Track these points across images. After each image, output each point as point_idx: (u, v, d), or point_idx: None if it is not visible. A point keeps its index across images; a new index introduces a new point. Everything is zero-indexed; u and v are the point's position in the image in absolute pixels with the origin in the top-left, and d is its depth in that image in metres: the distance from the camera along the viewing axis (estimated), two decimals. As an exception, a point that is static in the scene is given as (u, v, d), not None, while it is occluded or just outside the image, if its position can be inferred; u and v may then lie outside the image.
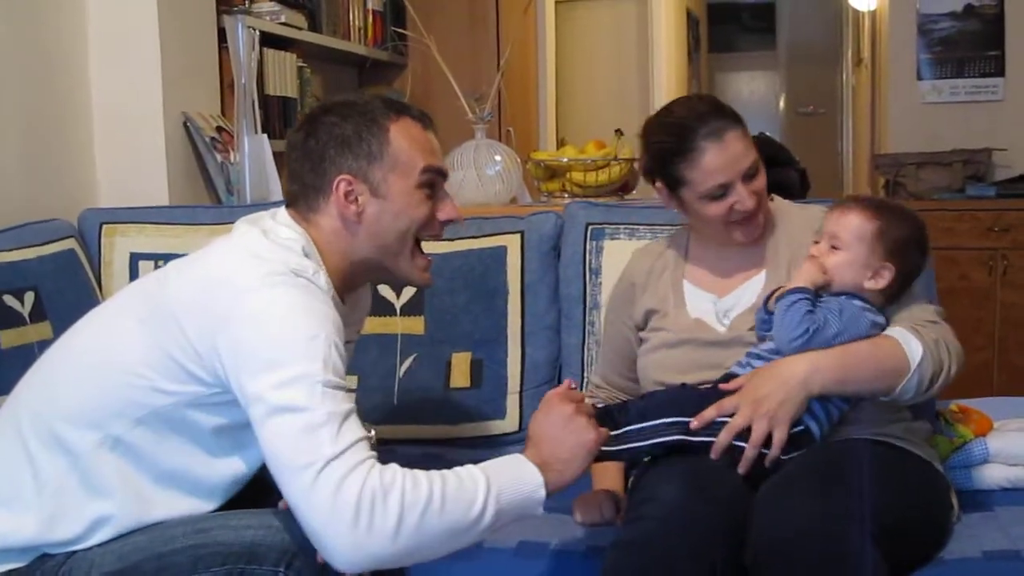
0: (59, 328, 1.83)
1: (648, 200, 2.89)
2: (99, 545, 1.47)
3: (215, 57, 2.99)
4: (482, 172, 2.92)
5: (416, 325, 2.37)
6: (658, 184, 1.94)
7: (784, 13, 9.21)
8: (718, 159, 1.83)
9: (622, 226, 2.35)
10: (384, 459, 1.39)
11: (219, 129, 2.92)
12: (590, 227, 2.37)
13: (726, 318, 1.91)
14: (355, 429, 1.38)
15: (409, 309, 2.38)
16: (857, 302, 1.77)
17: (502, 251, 2.39)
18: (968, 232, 4.17)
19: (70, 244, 2.42)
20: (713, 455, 1.69)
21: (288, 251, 1.52)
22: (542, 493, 1.46)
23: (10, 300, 2.12)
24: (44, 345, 1.73)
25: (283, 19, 3.28)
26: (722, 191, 1.85)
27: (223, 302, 1.44)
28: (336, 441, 1.34)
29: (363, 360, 2.31)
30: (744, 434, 1.68)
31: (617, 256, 2.30)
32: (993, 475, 2.01)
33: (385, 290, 2.37)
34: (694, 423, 1.70)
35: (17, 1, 2.52)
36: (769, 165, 1.93)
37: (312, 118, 1.62)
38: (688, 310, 1.94)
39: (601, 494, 1.88)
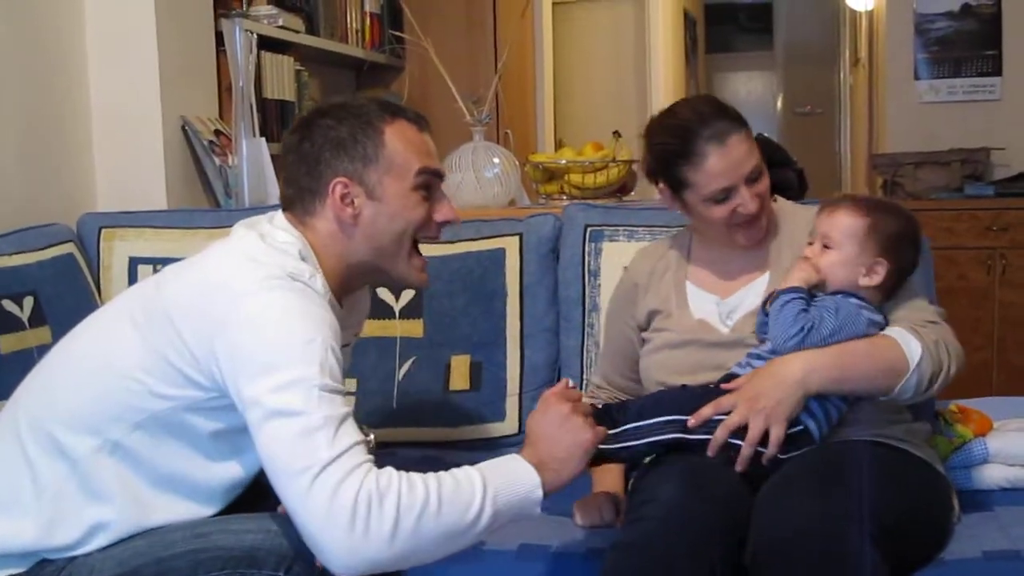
0: (58, 333, 1.83)
1: (647, 201, 2.90)
2: (99, 550, 1.47)
3: (213, 61, 2.99)
4: (480, 175, 2.92)
5: (415, 328, 2.37)
6: (660, 185, 1.94)
7: (781, 13, 9.22)
8: (721, 163, 1.83)
9: (621, 228, 2.35)
10: (384, 462, 1.39)
11: (217, 132, 2.92)
12: (589, 229, 2.37)
13: (729, 319, 1.91)
14: (352, 433, 1.38)
15: (408, 312, 2.38)
16: (854, 300, 1.77)
17: (501, 253, 2.39)
18: (967, 231, 4.17)
19: (69, 248, 2.42)
20: (710, 452, 1.69)
21: (285, 255, 1.52)
22: (539, 493, 1.46)
23: (9, 305, 2.12)
24: (43, 350, 1.72)
25: (280, 22, 3.28)
26: (725, 194, 1.85)
27: (220, 306, 1.44)
28: (332, 445, 1.34)
29: (362, 363, 2.31)
30: (741, 432, 1.68)
31: (616, 258, 2.31)
32: (993, 475, 2.01)
33: (384, 293, 2.37)
34: (691, 420, 1.70)
35: (16, 5, 2.52)
36: (767, 166, 1.93)
37: (307, 121, 1.62)
38: (691, 311, 1.94)
39: (601, 496, 1.88)
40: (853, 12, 6.54)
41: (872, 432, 1.77)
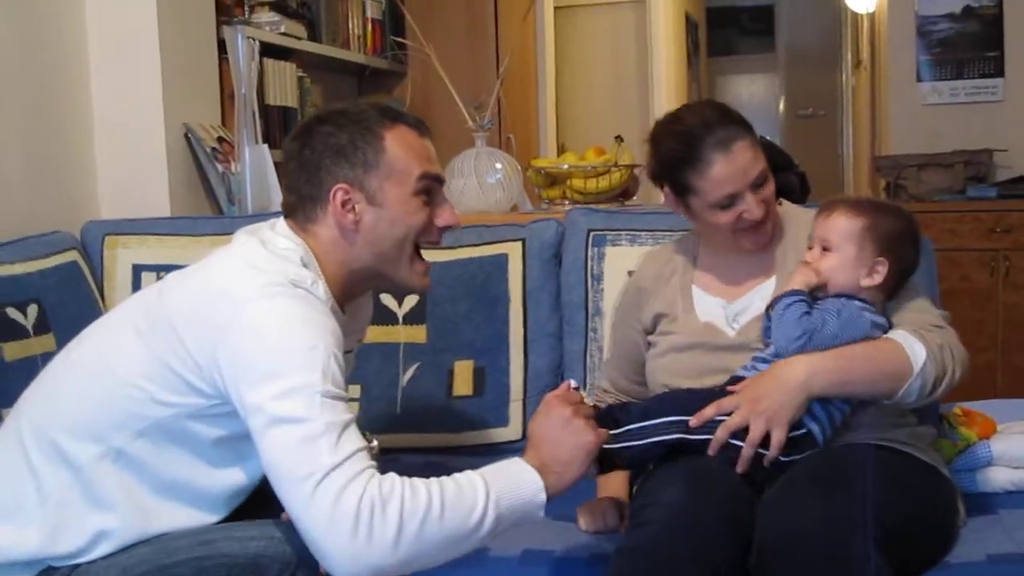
0: (62, 340, 1.83)
1: (649, 206, 2.90)
2: (103, 558, 1.48)
3: (215, 68, 3.00)
4: (483, 180, 2.92)
5: (418, 334, 2.37)
6: (665, 190, 1.94)
7: (783, 16, 9.22)
8: (726, 169, 1.83)
9: (623, 232, 2.35)
10: (387, 468, 1.40)
11: (220, 139, 2.93)
12: (591, 233, 2.37)
13: (735, 322, 1.91)
14: (354, 439, 1.38)
15: (411, 318, 2.38)
16: (856, 303, 1.77)
17: (503, 259, 2.39)
18: (970, 233, 4.17)
19: (73, 256, 2.42)
20: (710, 451, 1.69)
21: (286, 261, 1.53)
22: (542, 497, 1.46)
23: (13, 313, 2.13)
24: (48, 357, 1.73)
25: (283, 29, 3.29)
26: (730, 201, 1.85)
27: (222, 313, 1.44)
28: (335, 451, 1.35)
29: (366, 369, 2.31)
30: (742, 434, 1.68)
31: (619, 262, 2.31)
32: (997, 478, 2.01)
33: (387, 299, 2.37)
34: (693, 420, 1.70)
35: (18, 12, 2.53)
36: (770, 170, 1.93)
37: (307, 128, 1.62)
38: (697, 314, 1.94)
39: (605, 501, 1.88)
40: (855, 14, 6.54)
41: (876, 436, 1.77)
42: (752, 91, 9.40)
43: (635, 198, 3.14)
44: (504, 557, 1.77)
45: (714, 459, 1.69)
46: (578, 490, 1.58)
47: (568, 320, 2.36)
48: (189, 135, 2.85)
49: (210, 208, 2.93)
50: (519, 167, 3.02)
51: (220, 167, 2.87)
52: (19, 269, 2.22)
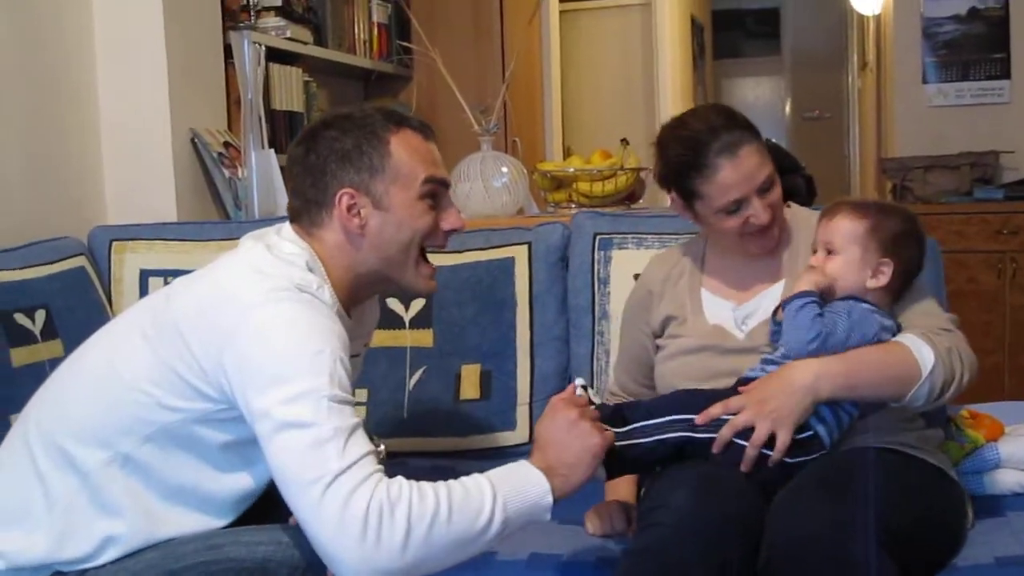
0: (70, 346, 1.84)
1: (655, 209, 2.90)
2: (110, 563, 1.48)
3: (221, 73, 3.01)
4: (489, 184, 2.92)
5: (425, 338, 2.38)
6: (672, 195, 1.94)
7: (788, 18, 9.21)
8: (733, 175, 1.82)
9: (630, 235, 2.35)
10: (394, 472, 1.40)
11: (226, 144, 2.94)
12: (598, 237, 2.37)
13: (745, 325, 1.91)
14: (362, 443, 1.38)
15: (418, 322, 2.38)
16: (864, 305, 1.77)
17: (510, 262, 2.39)
18: (976, 235, 4.16)
19: (80, 262, 2.43)
20: (714, 449, 1.69)
21: (292, 266, 1.53)
22: (549, 499, 1.46)
23: (21, 318, 2.13)
24: (55, 363, 1.73)
25: (289, 34, 3.29)
26: (737, 206, 1.85)
27: (228, 318, 1.45)
28: (343, 456, 1.35)
29: (373, 373, 2.31)
30: (749, 434, 1.68)
31: (625, 265, 2.31)
32: (1005, 480, 2.00)
33: (394, 303, 2.38)
34: (699, 418, 1.70)
35: (24, 20, 2.54)
36: (777, 173, 1.93)
37: (312, 133, 1.62)
38: (706, 316, 1.94)
39: (612, 505, 1.88)
40: (860, 16, 6.53)
41: (885, 439, 1.76)
42: (758, 93, 9.40)
43: (641, 201, 3.15)
44: (511, 561, 1.77)
45: (722, 461, 1.69)
46: (585, 494, 1.58)
47: (575, 324, 2.36)
48: (195, 140, 2.85)
49: (217, 213, 2.94)
50: (525, 171, 3.03)
51: (226, 172, 2.88)
52: (27, 275, 2.22)
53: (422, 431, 2.34)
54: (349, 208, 1.57)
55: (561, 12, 5.80)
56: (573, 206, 3.03)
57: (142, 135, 2.77)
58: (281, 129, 3.26)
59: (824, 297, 1.78)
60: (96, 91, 2.77)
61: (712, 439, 1.69)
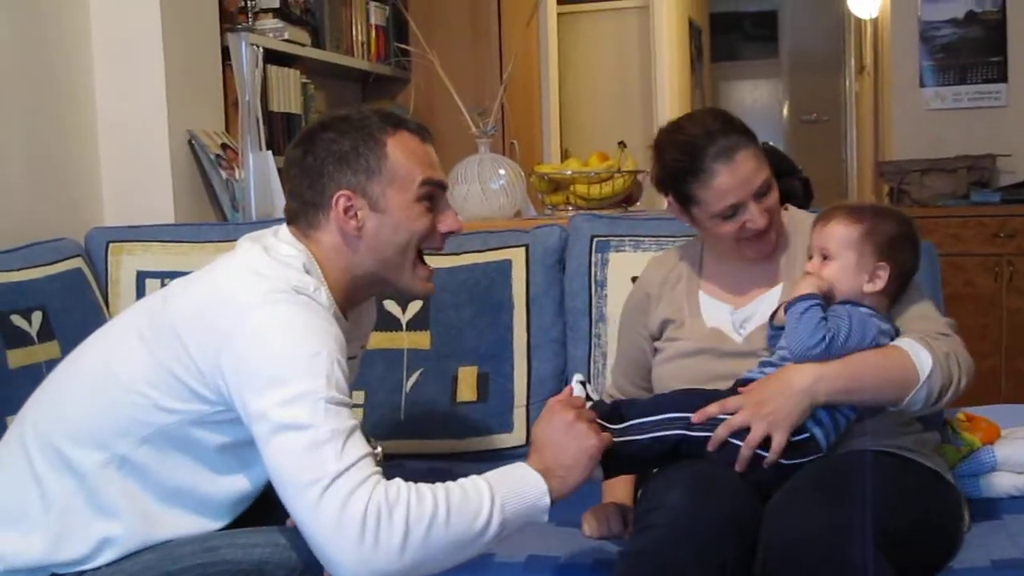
0: (67, 347, 1.84)
1: (653, 211, 2.90)
2: (107, 565, 1.48)
3: (219, 74, 3.01)
4: (486, 186, 2.92)
5: (422, 340, 2.38)
6: (669, 199, 1.94)
7: (786, 21, 9.23)
8: (729, 180, 1.82)
9: (627, 238, 2.35)
10: (391, 474, 1.40)
11: (224, 146, 2.93)
12: (595, 239, 2.37)
13: (743, 328, 1.91)
14: (359, 445, 1.38)
15: (415, 324, 2.38)
16: (862, 309, 1.77)
17: (507, 265, 2.39)
18: (973, 238, 4.17)
19: (77, 263, 2.43)
20: (710, 447, 1.69)
21: (288, 268, 1.53)
22: (547, 501, 1.46)
23: (18, 320, 2.13)
24: (52, 365, 1.73)
25: (286, 36, 3.29)
26: (733, 211, 1.85)
27: (225, 320, 1.45)
28: (341, 458, 1.35)
29: (370, 375, 2.31)
30: (744, 434, 1.68)
31: (622, 268, 2.31)
32: (1001, 483, 2.01)
33: (391, 305, 2.38)
34: (696, 417, 1.70)
35: (22, 21, 2.54)
36: (774, 176, 1.93)
37: (309, 135, 1.63)
38: (704, 320, 1.94)
39: (610, 507, 1.88)
40: (858, 20, 6.54)
41: (882, 442, 1.76)
42: (755, 96, 9.41)
43: (638, 204, 3.15)
44: (509, 562, 1.77)
45: (717, 460, 1.69)
46: (583, 495, 1.58)
47: (572, 326, 2.36)
48: (193, 142, 2.85)
49: (214, 215, 2.94)
50: (522, 173, 3.03)
51: (224, 174, 2.88)
52: (23, 276, 2.22)
53: (419, 433, 2.33)
54: (346, 210, 1.57)
55: (559, 15, 5.80)
56: (570, 208, 3.04)
57: (140, 136, 2.76)
58: (279, 131, 3.25)
59: (824, 301, 1.78)
60: (94, 92, 2.77)
61: (708, 438, 1.69)
